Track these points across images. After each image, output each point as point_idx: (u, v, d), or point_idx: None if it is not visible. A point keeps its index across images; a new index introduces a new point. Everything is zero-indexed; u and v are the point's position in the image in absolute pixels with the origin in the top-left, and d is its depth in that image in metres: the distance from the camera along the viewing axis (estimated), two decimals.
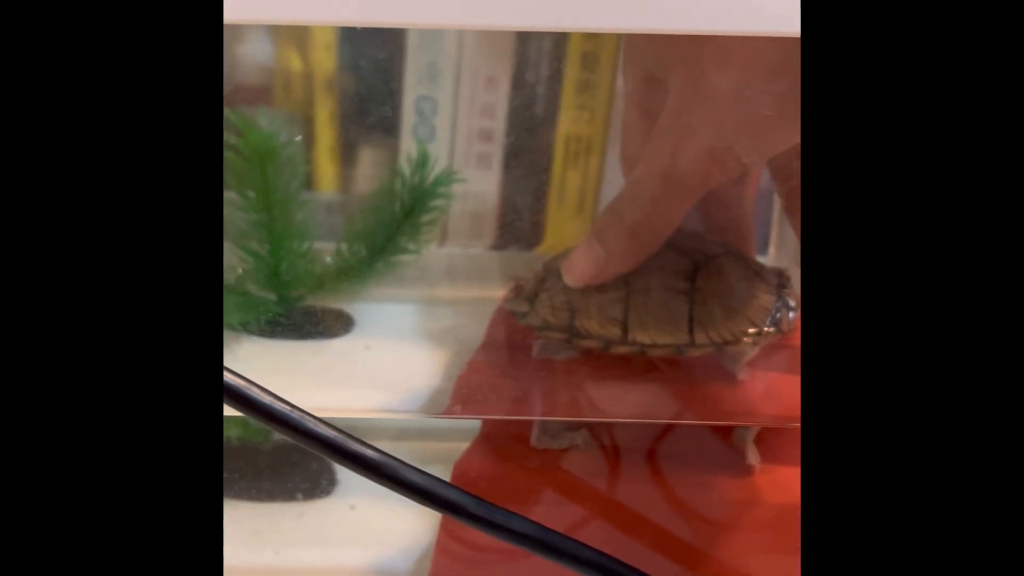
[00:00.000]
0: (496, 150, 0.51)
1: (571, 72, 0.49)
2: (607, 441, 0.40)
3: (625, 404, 0.39)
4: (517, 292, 0.41)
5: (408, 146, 0.51)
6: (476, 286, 0.50)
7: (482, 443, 0.38)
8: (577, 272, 0.35)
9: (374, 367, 0.41)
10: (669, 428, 0.41)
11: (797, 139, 0.29)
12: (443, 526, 0.39)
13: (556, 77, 0.50)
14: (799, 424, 0.38)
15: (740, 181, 0.37)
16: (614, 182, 0.49)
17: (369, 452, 0.28)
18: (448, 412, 0.37)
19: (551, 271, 0.39)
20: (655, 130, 0.32)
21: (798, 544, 0.38)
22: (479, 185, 0.52)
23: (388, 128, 0.51)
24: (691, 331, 0.37)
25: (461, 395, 0.37)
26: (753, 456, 0.39)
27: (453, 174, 0.45)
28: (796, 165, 0.36)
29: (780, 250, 0.45)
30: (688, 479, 0.39)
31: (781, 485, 0.39)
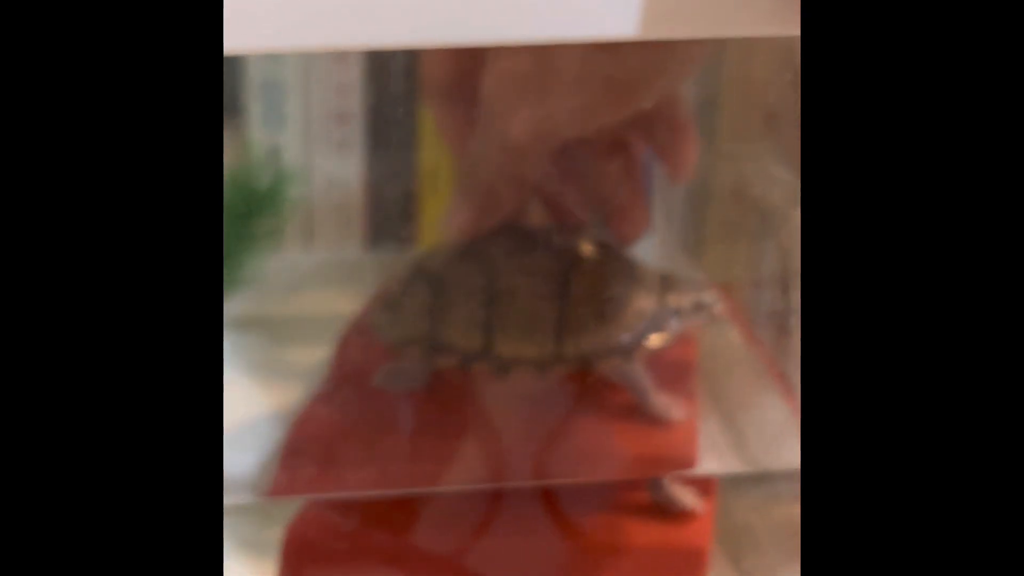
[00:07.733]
0: (356, 133, 0.46)
1: None
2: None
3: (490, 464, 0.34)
4: (381, 300, 0.35)
5: (258, 138, 0.45)
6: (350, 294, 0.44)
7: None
8: (454, 225, 0.34)
9: None
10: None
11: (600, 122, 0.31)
12: None
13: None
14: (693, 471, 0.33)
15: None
16: None
17: None
18: (272, 491, 0.32)
19: (419, 272, 0.35)
20: (481, 115, 0.32)
21: None
22: (341, 173, 0.46)
23: (232, 121, 0.45)
24: (559, 340, 0.33)
25: (288, 462, 0.32)
26: (689, 499, 0.35)
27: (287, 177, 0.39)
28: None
29: (665, 237, 0.39)
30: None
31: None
